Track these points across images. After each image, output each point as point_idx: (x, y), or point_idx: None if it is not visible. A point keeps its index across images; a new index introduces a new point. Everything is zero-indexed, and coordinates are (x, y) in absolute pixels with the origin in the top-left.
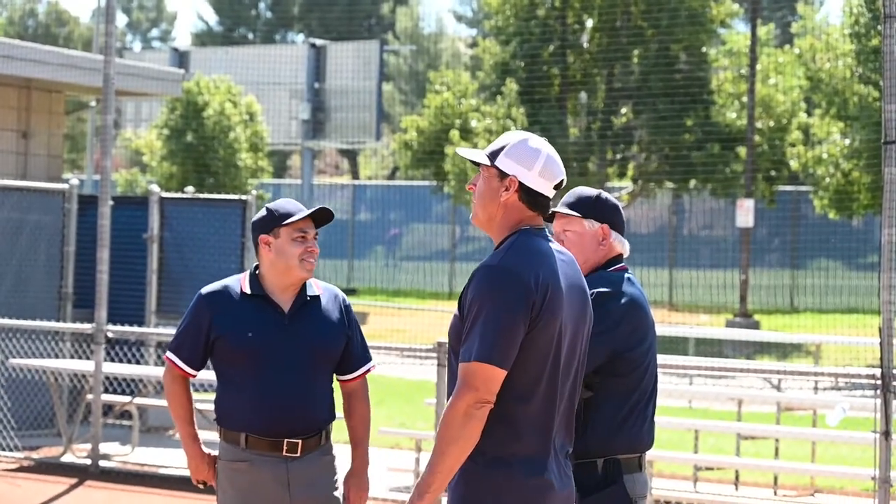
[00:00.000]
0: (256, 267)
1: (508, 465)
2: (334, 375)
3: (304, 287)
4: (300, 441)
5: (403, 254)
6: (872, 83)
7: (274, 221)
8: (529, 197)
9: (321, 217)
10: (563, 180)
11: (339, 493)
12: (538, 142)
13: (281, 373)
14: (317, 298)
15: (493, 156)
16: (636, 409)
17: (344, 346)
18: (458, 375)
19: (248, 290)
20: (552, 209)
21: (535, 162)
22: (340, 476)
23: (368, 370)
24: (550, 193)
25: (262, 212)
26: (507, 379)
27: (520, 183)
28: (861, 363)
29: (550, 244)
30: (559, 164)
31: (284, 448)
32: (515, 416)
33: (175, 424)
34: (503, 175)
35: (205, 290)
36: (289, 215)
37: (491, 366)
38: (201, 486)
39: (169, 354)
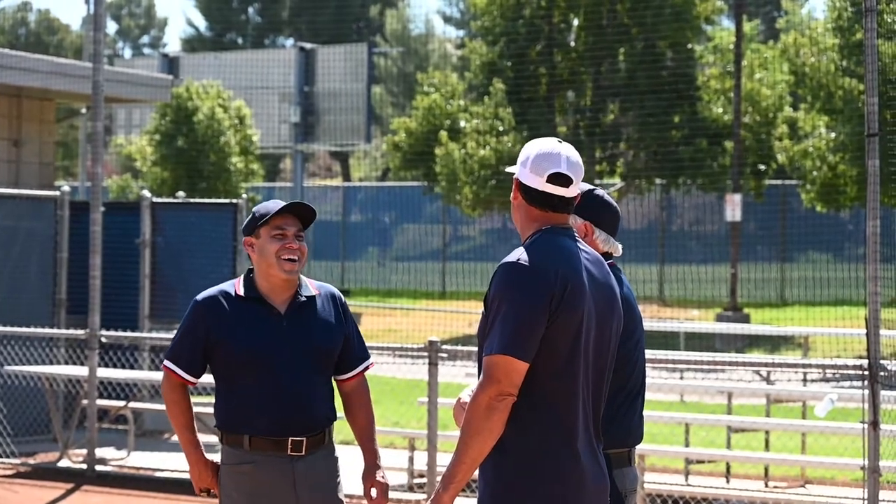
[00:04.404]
0: (250, 270)
1: (537, 460)
2: (332, 377)
3: (299, 287)
4: (305, 439)
5: (395, 254)
6: (857, 76)
7: (254, 222)
8: (528, 195)
9: (304, 215)
10: (560, 174)
11: (342, 494)
12: (540, 142)
13: (280, 373)
14: (313, 299)
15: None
16: (625, 403)
17: (342, 345)
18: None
19: (242, 293)
20: None
21: (528, 159)
22: (343, 477)
23: (367, 368)
24: (542, 187)
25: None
26: (530, 374)
27: (519, 181)
28: (850, 354)
29: (576, 243)
30: (555, 159)
31: (289, 447)
32: (540, 411)
33: (175, 432)
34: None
35: (200, 296)
36: (267, 214)
37: (512, 358)
38: (204, 495)
39: (166, 363)
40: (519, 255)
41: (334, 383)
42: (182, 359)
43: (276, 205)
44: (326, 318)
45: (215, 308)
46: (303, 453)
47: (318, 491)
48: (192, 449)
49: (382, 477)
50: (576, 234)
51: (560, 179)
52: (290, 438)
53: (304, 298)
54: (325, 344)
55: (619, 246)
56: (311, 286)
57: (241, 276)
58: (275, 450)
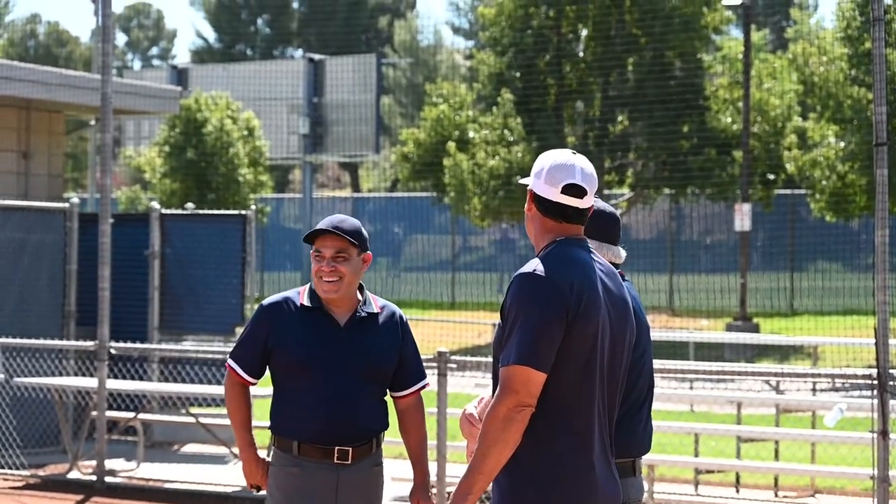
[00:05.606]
0: None
1: (552, 470)
2: (388, 392)
3: (363, 303)
4: (351, 449)
5: (405, 265)
6: (866, 86)
7: (307, 239)
8: (542, 206)
9: (349, 235)
10: (574, 185)
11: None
12: (554, 153)
13: (332, 383)
14: (374, 316)
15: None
16: (630, 413)
17: (397, 363)
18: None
19: (306, 303)
20: None
21: (543, 170)
22: (387, 487)
23: (422, 387)
24: (557, 198)
25: None
26: (546, 384)
27: (533, 192)
28: (860, 364)
29: (590, 255)
30: (570, 170)
31: (336, 455)
32: (556, 421)
33: (232, 429)
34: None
35: (266, 301)
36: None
37: (530, 368)
38: (255, 491)
39: (230, 362)
40: (535, 266)
41: (389, 399)
42: (243, 360)
43: (323, 222)
44: (384, 336)
45: (277, 314)
46: (348, 462)
47: (360, 498)
48: (246, 447)
49: (430, 496)
50: (590, 246)
51: (574, 190)
52: (337, 447)
53: (364, 314)
54: (378, 360)
55: (623, 252)
56: (375, 303)
57: (308, 285)
58: (322, 457)
